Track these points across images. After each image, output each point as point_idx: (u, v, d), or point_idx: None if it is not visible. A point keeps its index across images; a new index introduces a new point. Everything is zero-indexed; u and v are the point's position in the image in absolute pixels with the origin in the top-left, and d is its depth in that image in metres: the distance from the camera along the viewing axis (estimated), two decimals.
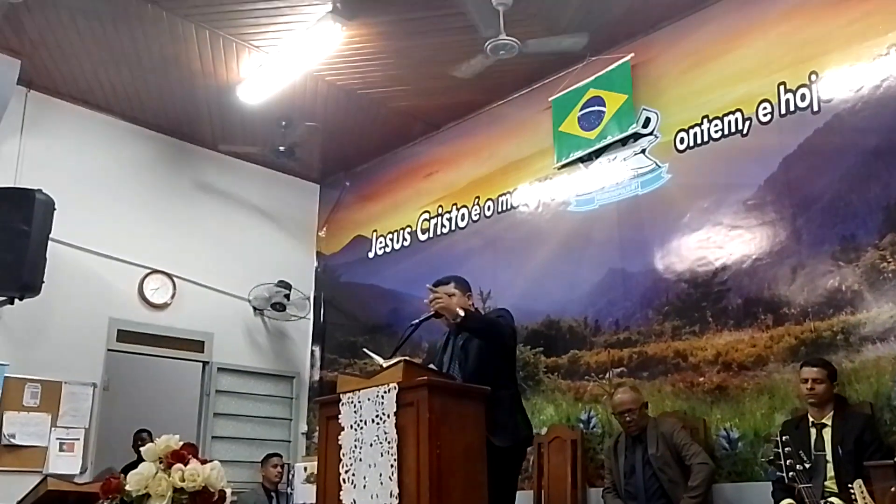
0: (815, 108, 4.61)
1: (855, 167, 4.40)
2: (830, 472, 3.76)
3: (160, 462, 2.67)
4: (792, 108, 4.71)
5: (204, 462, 2.71)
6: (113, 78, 6.32)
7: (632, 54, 5.56)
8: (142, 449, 2.79)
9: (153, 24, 5.54)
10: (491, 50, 5.17)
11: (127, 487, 2.63)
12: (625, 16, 5.42)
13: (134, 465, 2.80)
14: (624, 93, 5.55)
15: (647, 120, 5.47)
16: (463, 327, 3.68)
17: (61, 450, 6.03)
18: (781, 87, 4.78)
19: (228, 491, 2.82)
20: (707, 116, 5.12)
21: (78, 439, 6.13)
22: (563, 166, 5.92)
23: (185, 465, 2.65)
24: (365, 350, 3.93)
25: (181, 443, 2.72)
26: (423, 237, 7.01)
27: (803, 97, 4.67)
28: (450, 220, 6.79)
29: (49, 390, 6.06)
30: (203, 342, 7.11)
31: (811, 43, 4.69)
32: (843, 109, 4.49)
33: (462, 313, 3.60)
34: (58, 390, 6.11)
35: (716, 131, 5.07)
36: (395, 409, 3.14)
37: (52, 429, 6.03)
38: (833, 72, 4.57)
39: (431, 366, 3.76)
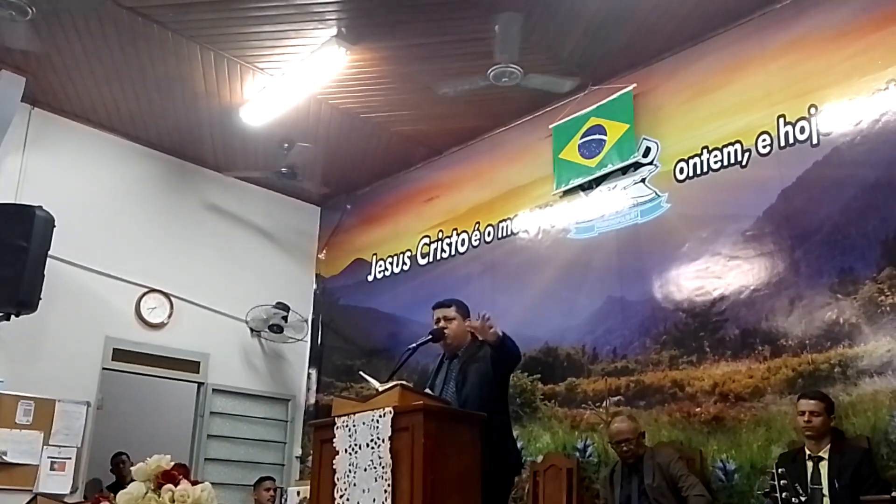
0: (815, 141, 4.63)
1: (854, 200, 4.41)
2: None
3: (150, 482, 2.64)
4: (791, 140, 4.74)
5: (195, 483, 2.68)
6: (117, 97, 6.36)
7: (634, 84, 5.60)
8: (132, 469, 2.76)
9: (159, 44, 5.59)
10: (493, 77, 5.23)
11: None
12: (626, 46, 5.47)
13: (115, 487, 2.77)
14: (626, 122, 5.58)
15: (648, 149, 5.50)
16: (499, 348, 3.61)
17: (52, 469, 5.97)
18: (781, 120, 4.81)
19: None
20: (707, 147, 5.15)
21: (70, 458, 6.08)
22: (563, 194, 5.94)
23: (176, 486, 2.62)
24: (361, 373, 3.91)
25: (172, 463, 2.69)
26: (422, 262, 7.01)
27: (803, 130, 4.70)
28: (450, 245, 6.80)
29: (42, 408, 6.02)
30: (199, 363, 7.09)
31: (811, 76, 4.73)
32: (843, 143, 4.51)
33: (500, 333, 3.57)
34: (51, 408, 6.07)
35: (715, 162, 5.09)
36: (389, 434, 3.12)
37: (44, 447, 5.99)
38: (832, 105, 4.60)
39: (428, 391, 3.75)
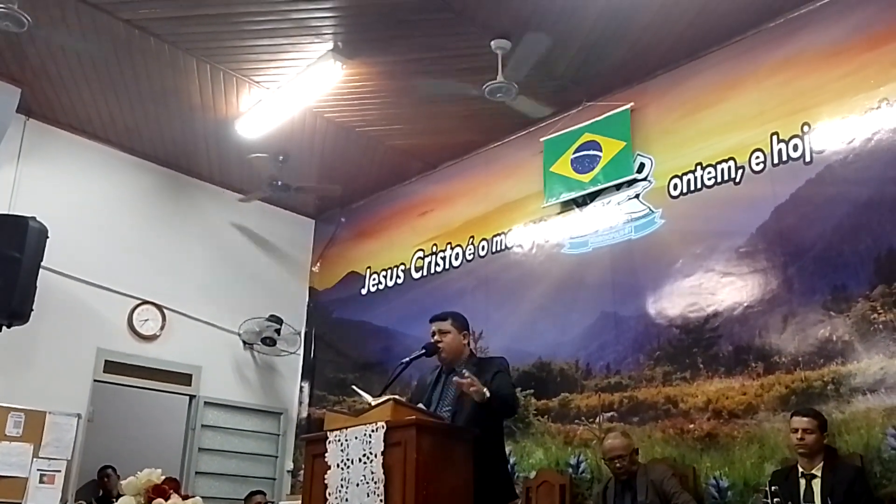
0: (808, 159, 4.66)
1: (846, 218, 4.43)
2: None
3: (141, 496, 2.62)
4: (784, 157, 4.76)
5: (185, 497, 2.67)
6: (112, 109, 6.36)
7: (632, 103, 5.62)
8: (122, 483, 2.75)
9: (155, 56, 5.60)
10: (489, 92, 5.25)
11: None
12: (621, 63, 5.50)
13: (103, 500, 2.76)
14: (622, 140, 5.60)
15: (642, 165, 5.52)
16: (484, 405, 3.44)
17: (42, 481, 5.92)
18: (774, 137, 4.84)
19: None
20: (700, 164, 5.18)
21: (59, 471, 6.02)
22: (559, 209, 5.95)
23: (166, 500, 2.61)
24: (354, 387, 3.89)
25: (163, 477, 2.68)
26: (416, 275, 7.01)
27: (796, 147, 4.72)
28: (444, 258, 6.79)
29: (32, 420, 5.98)
30: (191, 375, 7.05)
31: (804, 94, 4.76)
32: (835, 161, 4.54)
33: (487, 394, 3.39)
34: (41, 420, 6.03)
35: (709, 179, 5.11)
36: (382, 449, 3.10)
37: (34, 459, 5.93)
38: (825, 123, 4.63)
39: (420, 405, 3.72)
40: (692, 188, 5.19)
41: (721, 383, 4.73)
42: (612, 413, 5.20)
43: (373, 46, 5.36)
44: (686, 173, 5.24)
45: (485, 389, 3.38)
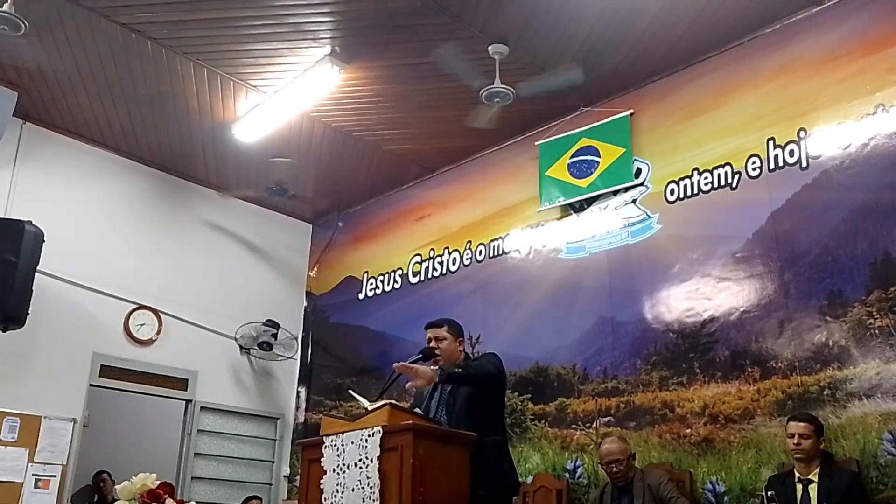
0: (804, 164, 4.67)
1: (842, 223, 4.44)
2: None
3: (135, 501, 2.61)
4: (781, 163, 4.77)
5: (181, 503, 2.66)
6: (109, 112, 6.35)
7: (631, 110, 5.63)
8: (116, 487, 2.74)
9: (152, 60, 5.60)
10: (486, 97, 5.25)
11: None
12: (618, 69, 5.51)
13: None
14: (622, 146, 5.60)
15: (638, 170, 5.53)
16: (447, 382, 3.61)
17: (36, 486, 5.90)
18: (770, 143, 4.85)
19: None
20: (697, 169, 5.18)
21: (55, 476, 6.00)
22: (557, 215, 5.95)
23: None
24: (351, 392, 3.89)
25: (158, 482, 2.67)
26: (413, 280, 7.00)
27: (792, 153, 4.73)
28: (441, 263, 6.79)
29: (28, 424, 5.95)
30: (187, 380, 7.03)
31: (800, 100, 4.77)
32: (831, 166, 4.55)
33: (436, 377, 3.50)
34: (37, 425, 6.00)
35: (705, 184, 5.12)
36: (378, 454, 3.10)
37: (29, 464, 5.91)
38: (821, 129, 4.64)
39: (417, 410, 3.72)
40: (689, 193, 5.20)
41: (717, 388, 4.73)
42: (608, 418, 5.20)
43: (370, 51, 5.37)
44: (683, 178, 5.25)
45: (430, 369, 3.50)
